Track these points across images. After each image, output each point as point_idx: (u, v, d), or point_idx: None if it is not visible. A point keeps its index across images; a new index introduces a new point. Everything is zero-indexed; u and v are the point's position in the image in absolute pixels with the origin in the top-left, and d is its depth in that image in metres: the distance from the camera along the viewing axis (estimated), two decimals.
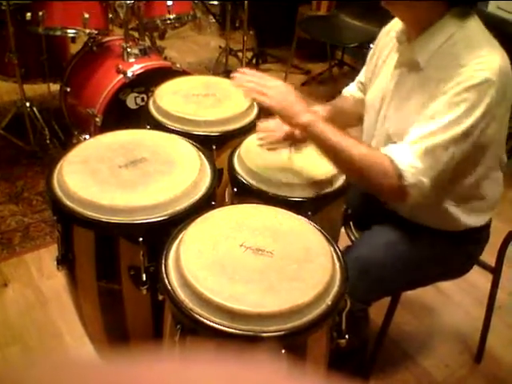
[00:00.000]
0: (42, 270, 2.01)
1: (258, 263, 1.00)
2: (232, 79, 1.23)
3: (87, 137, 2.23)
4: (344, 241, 1.53)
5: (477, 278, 1.74)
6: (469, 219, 1.31)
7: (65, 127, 2.61)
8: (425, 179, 1.12)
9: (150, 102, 1.61)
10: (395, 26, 1.31)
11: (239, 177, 1.31)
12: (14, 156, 2.60)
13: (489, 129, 1.13)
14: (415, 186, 1.12)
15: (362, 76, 1.51)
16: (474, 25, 1.16)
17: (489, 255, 1.50)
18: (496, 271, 1.57)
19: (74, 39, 2.55)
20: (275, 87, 1.19)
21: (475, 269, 1.49)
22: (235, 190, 1.32)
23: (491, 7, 2.94)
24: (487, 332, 1.73)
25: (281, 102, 1.17)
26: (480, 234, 1.40)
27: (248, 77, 1.21)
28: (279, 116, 1.19)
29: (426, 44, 1.17)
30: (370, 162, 1.15)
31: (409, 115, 1.20)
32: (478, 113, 1.08)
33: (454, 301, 2.01)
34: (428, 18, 1.16)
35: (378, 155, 1.16)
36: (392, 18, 1.33)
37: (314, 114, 1.19)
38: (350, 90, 1.55)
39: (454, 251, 1.38)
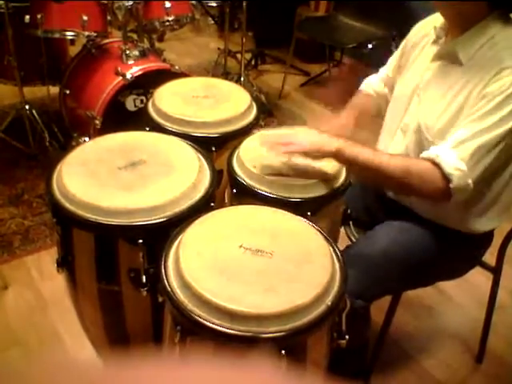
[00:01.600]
0: (43, 273, 2.01)
1: (258, 264, 1.00)
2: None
3: (87, 139, 2.24)
4: (344, 241, 1.53)
5: (477, 278, 1.73)
6: (482, 221, 1.32)
7: (64, 130, 2.62)
8: (470, 181, 1.14)
9: (149, 104, 1.61)
10: (431, 22, 1.33)
11: (238, 178, 1.31)
12: (13, 159, 2.61)
13: None
14: (460, 189, 1.15)
15: (389, 69, 1.52)
16: None
17: (489, 254, 1.50)
18: (496, 271, 1.57)
19: (72, 41, 2.56)
20: (297, 133, 1.25)
21: (476, 268, 1.50)
22: (234, 191, 1.32)
23: None
24: (488, 332, 1.73)
25: (308, 141, 1.22)
26: (487, 237, 1.40)
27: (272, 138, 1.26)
28: (309, 153, 1.22)
29: (468, 42, 1.20)
30: (409, 170, 1.17)
31: (447, 109, 1.21)
32: None
33: (455, 301, 2.01)
34: (472, 18, 1.18)
35: (418, 161, 1.19)
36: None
37: (340, 139, 1.22)
38: (373, 85, 1.56)
39: (458, 252, 1.38)
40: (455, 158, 1.14)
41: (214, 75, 3.39)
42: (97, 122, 2.18)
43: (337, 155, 1.20)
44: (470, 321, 1.91)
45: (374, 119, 1.55)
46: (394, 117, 1.40)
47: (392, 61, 1.51)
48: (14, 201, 2.37)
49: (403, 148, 1.35)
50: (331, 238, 1.14)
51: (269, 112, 3.22)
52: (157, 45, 2.74)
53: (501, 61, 1.13)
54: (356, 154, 1.19)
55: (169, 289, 0.97)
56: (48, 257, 2.05)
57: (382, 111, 1.52)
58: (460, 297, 2.01)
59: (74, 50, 2.63)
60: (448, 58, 1.25)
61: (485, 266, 1.55)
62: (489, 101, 1.12)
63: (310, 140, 1.22)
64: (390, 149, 1.39)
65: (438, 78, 1.27)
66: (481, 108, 1.13)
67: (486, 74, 1.14)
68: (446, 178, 1.15)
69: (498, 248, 1.54)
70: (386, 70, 1.54)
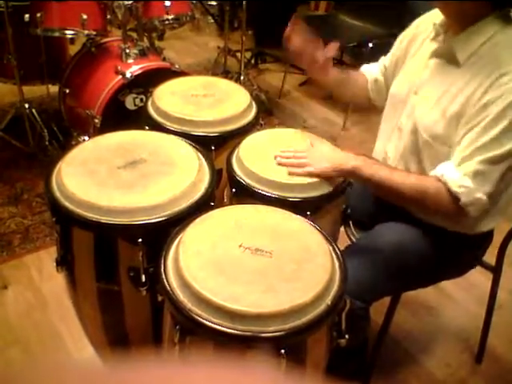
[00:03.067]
0: (42, 272, 2.01)
1: (257, 263, 1.00)
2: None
3: (86, 138, 2.23)
4: (344, 240, 1.53)
5: (477, 278, 1.73)
6: (481, 224, 1.31)
7: (64, 128, 2.61)
8: (480, 195, 1.14)
9: (149, 103, 1.60)
10: (430, 18, 1.32)
11: (238, 177, 1.30)
12: (13, 158, 2.60)
13: None
14: (472, 204, 1.15)
15: (387, 60, 1.51)
16: None
17: (489, 254, 1.49)
18: (496, 270, 1.57)
19: (72, 40, 2.54)
20: (310, 151, 1.29)
21: (476, 268, 1.49)
22: (234, 190, 1.32)
23: None
24: (488, 331, 1.73)
25: (322, 162, 1.25)
26: (486, 237, 1.40)
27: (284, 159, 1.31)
28: (326, 173, 1.25)
29: (467, 41, 1.18)
30: (422, 191, 1.19)
31: (444, 113, 1.20)
32: None
33: (455, 300, 2.01)
34: (472, 16, 1.17)
35: (427, 181, 1.19)
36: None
37: (356, 158, 1.24)
38: (372, 71, 1.55)
39: (458, 253, 1.37)
40: (459, 176, 1.14)
41: (214, 74, 3.39)
42: (96, 120, 2.18)
43: (353, 174, 1.23)
44: (469, 320, 1.91)
45: (371, 119, 1.56)
46: (391, 116, 1.39)
47: (390, 54, 1.50)
48: (13, 200, 2.37)
49: (400, 147, 1.34)
50: (331, 237, 1.14)
51: (268, 111, 3.22)
52: (157, 43, 2.73)
53: (500, 64, 1.11)
54: (372, 174, 1.21)
55: (168, 288, 0.97)
56: (48, 256, 2.04)
57: (369, 96, 1.53)
58: (460, 296, 2.01)
59: (73, 49, 2.62)
60: (446, 56, 1.24)
61: (485, 265, 1.55)
62: (490, 112, 1.10)
63: (326, 160, 1.25)
64: (388, 149, 1.39)
65: (436, 78, 1.25)
66: (483, 120, 1.11)
67: (485, 78, 1.12)
68: (454, 196, 1.15)
69: (498, 247, 1.54)
70: (383, 61, 1.53)
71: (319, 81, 1.49)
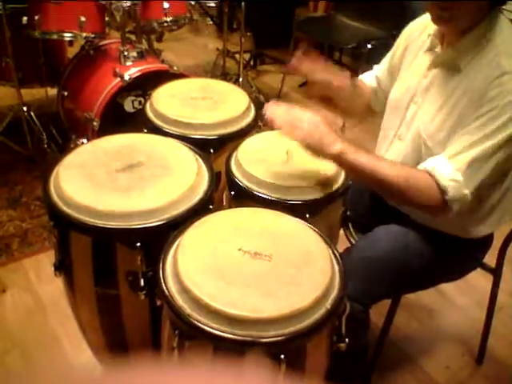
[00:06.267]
0: (41, 276, 2.00)
1: (257, 267, 1.00)
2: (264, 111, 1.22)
3: (85, 141, 2.23)
4: (343, 243, 1.52)
5: (477, 280, 1.72)
6: (480, 227, 1.31)
7: (63, 131, 2.61)
8: (467, 191, 1.13)
9: (147, 106, 1.60)
10: (422, 24, 1.32)
11: (237, 180, 1.30)
12: (11, 161, 2.60)
13: None
14: (458, 200, 1.14)
15: (379, 70, 1.51)
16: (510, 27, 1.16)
17: (489, 256, 1.49)
18: (496, 272, 1.56)
19: (71, 42, 2.55)
20: (306, 120, 1.17)
21: (476, 270, 1.49)
22: (233, 193, 1.31)
23: None
24: (488, 333, 1.72)
25: (313, 135, 1.15)
26: (486, 240, 1.40)
27: (278, 110, 1.19)
28: (309, 148, 1.17)
29: (466, 49, 1.17)
30: (408, 181, 1.16)
31: (446, 117, 1.19)
32: None
33: (455, 302, 2.01)
34: (468, 26, 1.16)
35: (416, 173, 1.17)
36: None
37: (344, 142, 1.17)
38: (370, 80, 1.55)
39: (457, 256, 1.37)
40: (451, 169, 1.13)
41: (213, 76, 3.39)
42: (95, 123, 2.17)
43: (338, 158, 1.16)
44: (470, 322, 1.91)
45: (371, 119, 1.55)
46: (391, 124, 1.38)
47: (384, 62, 1.49)
48: (12, 203, 2.36)
49: (401, 156, 1.34)
50: (330, 240, 1.13)
51: None
52: (155, 45, 2.74)
53: (499, 66, 1.10)
54: (357, 159, 1.15)
55: (167, 292, 0.97)
56: (46, 259, 2.04)
57: (368, 103, 1.53)
58: (460, 298, 2.01)
59: (72, 51, 2.62)
60: (446, 65, 1.23)
61: (485, 267, 1.54)
62: (487, 110, 1.10)
63: (311, 133, 1.15)
64: (388, 156, 1.38)
65: (437, 87, 1.24)
66: (478, 117, 1.11)
67: (484, 79, 1.11)
68: (442, 189, 1.14)
69: (498, 249, 1.54)
70: (377, 70, 1.52)
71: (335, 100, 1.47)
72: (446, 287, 1.90)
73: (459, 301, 2.00)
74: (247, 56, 3.73)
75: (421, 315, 1.96)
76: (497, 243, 1.49)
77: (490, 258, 1.53)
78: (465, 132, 1.13)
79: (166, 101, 1.58)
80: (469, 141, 1.12)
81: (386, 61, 1.48)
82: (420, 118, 1.27)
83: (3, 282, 1.97)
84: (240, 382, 0.28)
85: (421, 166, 1.18)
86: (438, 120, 1.22)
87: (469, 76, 1.16)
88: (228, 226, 1.10)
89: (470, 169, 1.12)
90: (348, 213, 1.46)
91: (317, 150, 1.16)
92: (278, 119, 1.17)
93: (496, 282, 1.59)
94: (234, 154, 1.37)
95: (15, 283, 1.98)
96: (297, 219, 1.15)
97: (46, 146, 2.56)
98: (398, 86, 1.37)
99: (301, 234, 1.10)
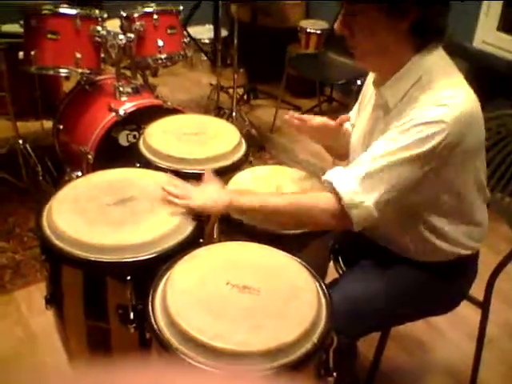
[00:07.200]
0: (32, 308, 2.00)
1: (245, 301, 1.01)
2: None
3: (79, 174, 2.26)
4: (333, 276, 1.54)
5: (467, 312, 1.73)
6: (454, 248, 1.32)
7: (58, 164, 2.64)
8: (364, 200, 1.14)
9: (141, 141, 1.64)
10: None
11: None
12: (6, 192, 2.61)
13: (444, 172, 1.15)
14: (355, 207, 1.15)
15: (352, 115, 1.53)
16: (440, 64, 1.18)
17: (478, 288, 1.50)
18: (484, 305, 1.57)
19: (67, 77, 2.59)
20: (195, 188, 1.29)
21: (465, 303, 1.50)
22: (223, 226, 1.34)
23: (476, 42, 3.02)
24: (478, 366, 1.72)
25: (200, 198, 1.25)
26: (467, 266, 1.40)
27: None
28: (202, 207, 1.25)
29: (394, 87, 1.19)
30: (299, 201, 1.20)
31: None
32: (424, 147, 1.09)
33: (446, 335, 2.01)
34: (396, 64, 1.18)
35: (310, 191, 1.21)
36: None
37: (233, 191, 1.27)
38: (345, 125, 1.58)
39: (441, 285, 1.38)
40: (348, 179, 1.15)
41: (207, 110, 3.45)
42: (89, 156, 2.20)
43: (231, 204, 1.22)
44: (460, 355, 1.91)
45: None
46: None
47: (354, 107, 1.52)
48: (5, 234, 2.37)
49: None
50: (319, 273, 1.15)
51: (261, 146, 3.27)
52: (150, 80, 2.79)
53: (417, 102, 1.13)
54: (249, 199, 1.22)
55: (155, 326, 0.98)
56: (38, 291, 2.04)
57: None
58: (450, 330, 2.01)
59: (68, 85, 2.67)
60: (381, 107, 1.26)
61: (473, 300, 1.55)
62: (395, 129, 1.13)
63: (206, 196, 1.26)
64: None
65: (378, 129, 1.27)
66: (386, 135, 1.15)
67: (403, 113, 1.15)
68: (337, 196, 1.15)
69: (486, 283, 1.55)
70: (351, 114, 1.57)
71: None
72: (437, 320, 1.91)
73: (450, 333, 2.01)
74: (241, 91, 3.80)
75: (412, 347, 1.96)
76: (485, 275, 1.51)
77: (478, 290, 1.54)
78: (371, 147, 1.17)
79: (159, 136, 1.62)
80: (370, 154, 1.15)
81: (356, 105, 1.52)
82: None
83: None
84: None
85: (324, 176, 1.21)
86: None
87: (395, 114, 1.19)
88: (217, 259, 1.13)
89: (368, 179, 1.14)
90: (336, 246, 1.48)
91: (209, 209, 1.26)
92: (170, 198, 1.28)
93: (484, 316, 1.59)
94: (225, 188, 1.40)
95: (7, 315, 1.97)
96: (284, 253, 1.17)
97: (40, 178, 2.58)
98: (355, 129, 1.41)
99: (288, 268, 1.12)
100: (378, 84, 1.27)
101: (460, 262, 1.35)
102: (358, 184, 1.14)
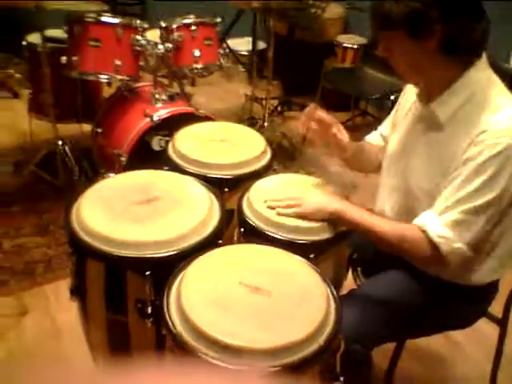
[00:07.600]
0: (60, 301, 2.08)
1: (255, 301, 1.05)
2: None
3: (112, 175, 2.34)
4: (352, 286, 1.55)
5: (488, 329, 1.71)
6: (477, 275, 1.32)
7: (94, 165, 2.74)
8: (460, 245, 1.18)
9: (170, 146, 1.70)
10: None
11: (247, 218, 1.37)
12: (43, 190, 2.73)
13: None
14: (453, 254, 1.19)
15: (384, 128, 1.57)
16: (494, 82, 1.21)
17: (496, 305, 1.48)
18: (503, 323, 1.55)
19: (109, 83, 2.70)
20: (303, 196, 1.38)
21: (485, 319, 1.48)
22: (243, 230, 1.38)
23: None
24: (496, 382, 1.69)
25: (309, 204, 1.34)
26: (490, 289, 1.41)
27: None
28: (311, 213, 1.33)
29: (446, 103, 1.21)
30: (400, 238, 1.23)
31: (432, 170, 1.25)
32: (503, 178, 1.12)
33: (464, 351, 1.98)
34: (447, 79, 1.20)
35: (409, 230, 1.23)
36: None
37: (341, 202, 1.33)
38: (373, 139, 1.61)
39: (460, 305, 1.38)
40: (439, 225, 1.18)
41: (241, 120, 3.51)
42: (122, 159, 2.29)
43: (336, 215, 1.29)
44: (477, 371, 1.87)
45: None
46: (387, 177, 1.44)
47: (389, 118, 1.55)
48: (40, 231, 2.48)
49: (397, 207, 1.40)
50: (335, 280, 1.18)
51: (291, 157, 3.30)
52: (188, 89, 2.87)
53: (479, 123, 1.14)
54: (354, 217, 1.27)
55: (169, 321, 1.02)
56: (66, 286, 2.10)
57: (379, 161, 1.56)
58: (469, 347, 1.98)
59: (107, 91, 2.78)
60: (428, 120, 1.28)
61: (491, 317, 1.53)
62: (470, 166, 1.14)
63: (314, 202, 1.34)
64: (386, 207, 1.43)
65: (423, 141, 1.29)
66: (462, 174, 1.16)
67: (465, 136, 1.16)
68: (434, 245, 1.19)
69: (505, 300, 1.53)
70: (382, 129, 1.58)
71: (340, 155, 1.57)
72: (455, 335, 1.89)
73: (469, 350, 1.98)
74: (275, 102, 3.86)
75: (428, 361, 1.94)
76: (504, 292, 1.49)
77: (498, 307, 1.52)
78: (451, 187, 1.18)
79: (187, 142, 1.68)
80: (456, 196, 1.16)
81: (390, 116, 1.54)
82: (410, 171, 1.33)
83: (25, 305, 2.05)
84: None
85: (414, 222, 1.24)
86: (425, 173, 1.27)
87: (450, 134, 1.21)
88: (232, 260, 1.17)
89: (458, 224, 1.17)
90: (355, 255, 1.50)
91: (317, 214, 1.33)
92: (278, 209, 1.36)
93: (502, 334, 1.58)
94: (247, 194, 1.45)
95: (36, 307, 2.06)
96: (300, 258, 1.20)
97: (76, 178, 2.68)
98: (393, 139, 1.43)
99: (301, 272, 1.15)
100: (423, 98, 1.29)
101: (486, 287, 1.36)
102: (450, 232, 1.17)
